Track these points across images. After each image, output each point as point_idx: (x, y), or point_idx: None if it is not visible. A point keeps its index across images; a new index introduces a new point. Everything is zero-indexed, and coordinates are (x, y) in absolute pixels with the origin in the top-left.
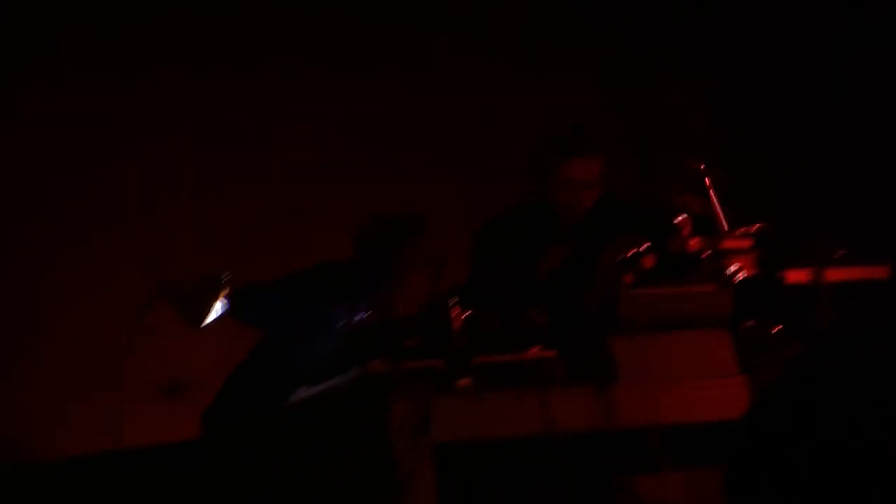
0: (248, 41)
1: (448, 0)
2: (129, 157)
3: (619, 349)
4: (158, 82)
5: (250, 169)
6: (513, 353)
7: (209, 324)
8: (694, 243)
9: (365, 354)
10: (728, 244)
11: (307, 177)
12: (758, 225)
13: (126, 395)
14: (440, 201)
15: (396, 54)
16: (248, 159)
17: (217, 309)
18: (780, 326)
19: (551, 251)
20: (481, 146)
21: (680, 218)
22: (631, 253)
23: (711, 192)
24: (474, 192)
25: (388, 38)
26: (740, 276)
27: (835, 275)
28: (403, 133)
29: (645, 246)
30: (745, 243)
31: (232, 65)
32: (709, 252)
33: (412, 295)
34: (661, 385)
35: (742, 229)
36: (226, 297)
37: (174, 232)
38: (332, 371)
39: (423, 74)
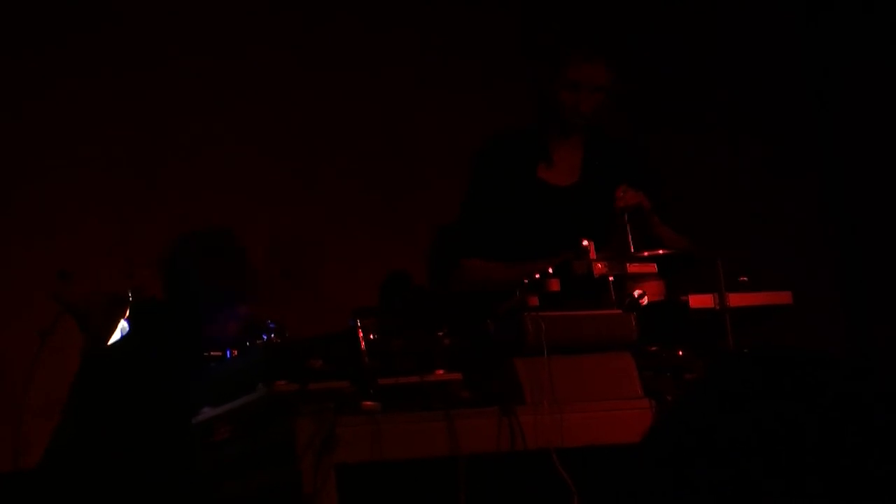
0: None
1: None
2: (50, 172)
3: (524, 371)
4: (77, 95)
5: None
6: (418, 374)
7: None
8: (599, 267)
9: (270, 374)
10: (633, 268)
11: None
12: (662, 251)
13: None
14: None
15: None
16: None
17: (121, 328)
18: (684, 350)
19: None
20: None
21: (585, 242)
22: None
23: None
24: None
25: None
26: (645, 300)
27: (738, 300)
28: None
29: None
30: (650, 268)
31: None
32: (614, 276)
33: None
34: (566, 407)
35: (647, 252)
36: (127, 318)
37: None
38: (237, 391)
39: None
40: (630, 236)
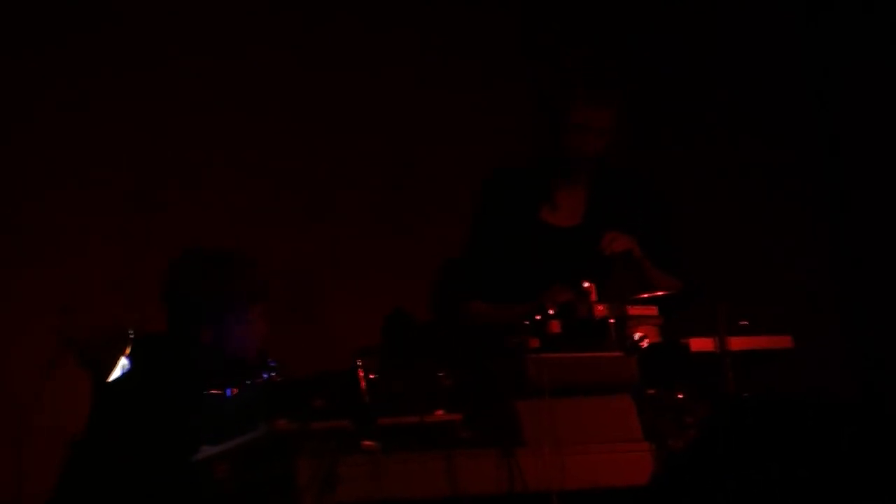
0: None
1: None
2: (44, 200)
3: (525, 413)
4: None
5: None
6: (418, 414)
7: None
8: (600, 309)
9: (271, 413)
10: (634, 311)
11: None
12: (663, 293)
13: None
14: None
15: None
16: (170, 205)
17: (122, 364)
18: (684, 394)
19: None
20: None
21: (586, 284)
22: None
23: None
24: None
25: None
26: (645, 343)
27: (739, 343)
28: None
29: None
30: (651, 311)
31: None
32: (615, 318)
33: (256, 334)
34: (566, 449)
35: (648, 295)
36: (128, 355)
37: (90, 278)
38: (238, 429)
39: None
40: (618, 281)
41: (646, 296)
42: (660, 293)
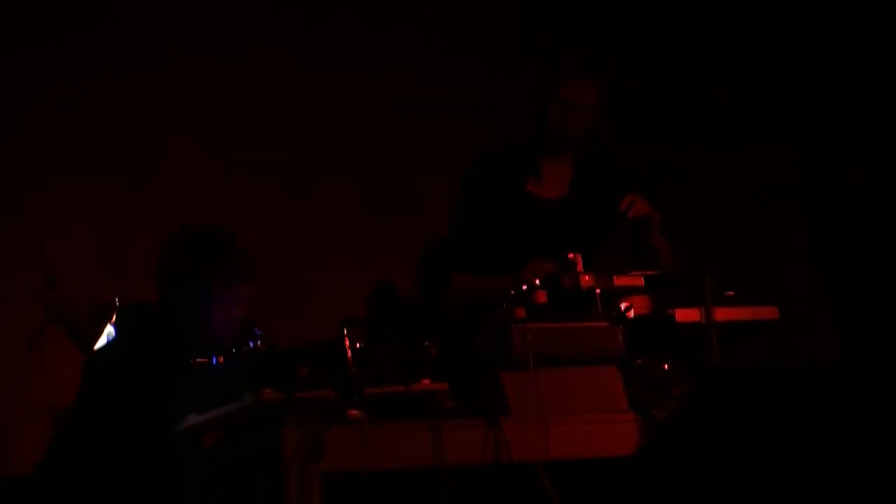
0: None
1: None
2: (30, 178)
3: (510, 383)
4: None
5: (164, 191)
6: (404, 384)
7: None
8: (586, 280)
9: (256, 382)
10: (620, 282)
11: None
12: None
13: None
14: None
15: None
16: (155, 185)
17: (108, 332)
18: (670, 364)
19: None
20: None
21: (571, 255)
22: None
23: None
24: None
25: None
26: (631, 313)
27: (724, 314)
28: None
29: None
30: (638, 282)
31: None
32: (601, 289)
33: (237, 314)
34: (551, 420)
35: (635, 270)
36: (114, 323)
37: (76, 255)
38: (223, 398)
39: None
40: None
41: (650, 273)
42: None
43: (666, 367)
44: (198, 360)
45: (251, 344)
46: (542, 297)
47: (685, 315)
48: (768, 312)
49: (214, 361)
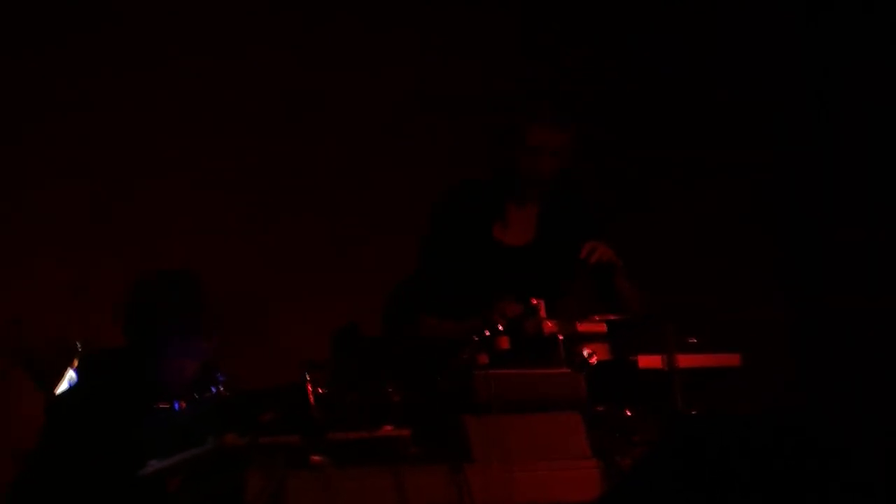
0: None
1: None
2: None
3: (473, 429)
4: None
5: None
6: (367, 429)
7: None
8: (549, 326)
9: (220, 427)
10: (583, 328)
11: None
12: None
13: None
14: None
15: None
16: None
17: (69, 377)
18: (633, 411)
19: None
20: None
21: (535, 301)
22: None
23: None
24: None
25: None
26: (594, 359)
27: (687, 361)
28: None
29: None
30: (600, 328)
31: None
32: (563, 335)
33: (194, 368)
34: (515, 466)
35: (598, 315)
36: (76, 368)
37: (42, 290)
38: (186, 443)
39: None
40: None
41: (612, 318)
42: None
43: (628, 413)
44: (160, 404)
45: (214, 389)
46: (504, 342)
47: (648, 362)
48: (730, 360)
49: (177, 406)
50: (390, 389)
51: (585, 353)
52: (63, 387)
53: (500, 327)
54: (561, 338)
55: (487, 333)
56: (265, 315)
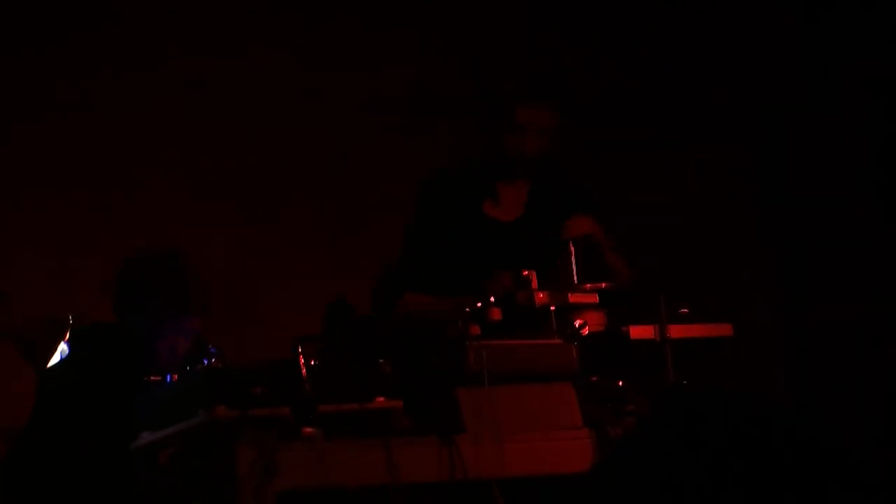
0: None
1: None
2: None
3: (465, 400)
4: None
5: (115, 212)
6: (359, 402)
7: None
8: (541, 297)
9: (211, 399)
10: (575, 299)
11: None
12: (605, 285)
13: None
14: None
15: None
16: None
17: (61, 350)
18: (625, 381)
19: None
20: None
21: (526, 272)
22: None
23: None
24: None
25: None
26: (586, 330)
27: (679, 332)
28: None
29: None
30: (592, 298)
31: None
32: (555, 306)
33: (184, 346)
34: (507, 437)
35: (589, 285)
36: (67, 341)
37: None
38: (177, 416)
39: None
40: (575, 266)
41: (592, 287)
42: (609, 286)
43: (620, 384)
44: (152, 377)
45: (205, 361)
46: (496, 314)
47: (640, 332)
48: (722, 330)
49: (168, 379)
50: (382, 361)
51: (577, 323)
52: (55, 360)
53: (493, 299)
54: (553, 309)
55: (479, 305)
56: (254, 299)
